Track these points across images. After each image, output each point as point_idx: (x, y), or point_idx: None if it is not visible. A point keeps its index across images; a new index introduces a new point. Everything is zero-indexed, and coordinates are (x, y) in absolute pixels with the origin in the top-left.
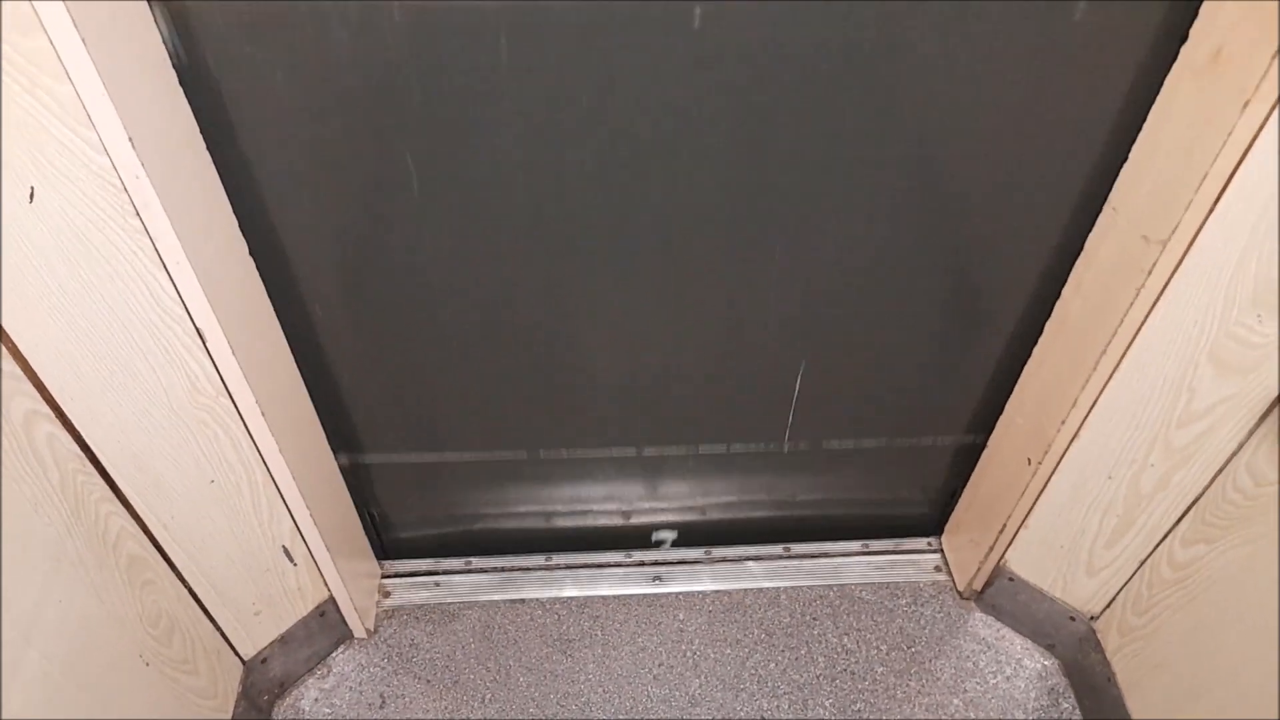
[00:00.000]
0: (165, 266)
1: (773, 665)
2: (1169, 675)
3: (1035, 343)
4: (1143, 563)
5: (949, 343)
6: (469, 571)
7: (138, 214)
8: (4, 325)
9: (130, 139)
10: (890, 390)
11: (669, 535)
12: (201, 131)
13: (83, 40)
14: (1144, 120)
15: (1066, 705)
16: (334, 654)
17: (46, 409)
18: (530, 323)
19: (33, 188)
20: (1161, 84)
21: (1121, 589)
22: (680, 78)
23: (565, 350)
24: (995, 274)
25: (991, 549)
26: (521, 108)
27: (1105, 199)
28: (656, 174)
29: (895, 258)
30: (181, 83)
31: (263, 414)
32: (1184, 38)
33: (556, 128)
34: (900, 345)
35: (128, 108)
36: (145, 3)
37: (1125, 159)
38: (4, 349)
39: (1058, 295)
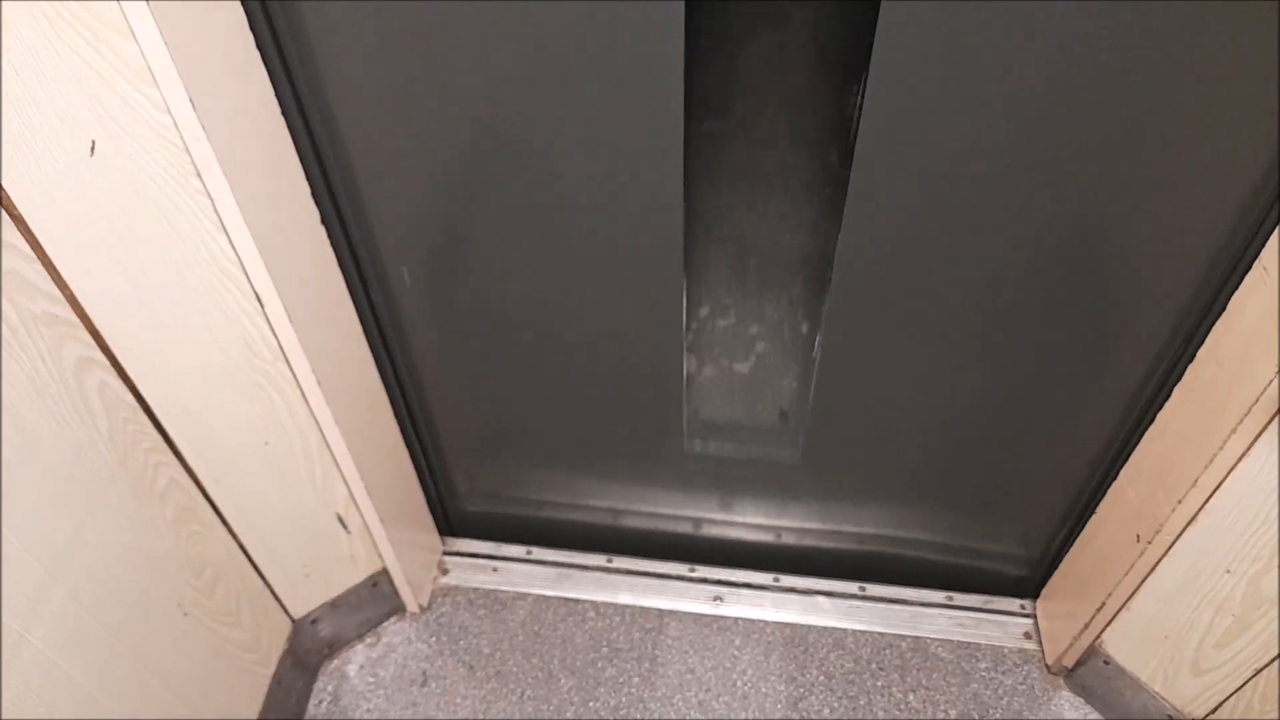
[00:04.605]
0: (225, 229)
1: (827, 711)
2: None
3: (1160, 407)
4: (1258, 672)
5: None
6: (528, 561)
7: (199, 175)
8: (61, 272)
9: (192, 101)
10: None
11: None
12: (280, 98)
13: (146, 2)
14: None
15: None
16: (386, 623)
17: (101, 357)
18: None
19: (94, 141)
20: None
21: (1230, 695)
22: None
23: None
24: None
25: (1088, 625)
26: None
27: (1256, 256)
28: None
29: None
30: (261, 47)
31: (319, 383)
32: None
33: None
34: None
35: (192, 70)
36: None
37: None
38: (62, 296)
39: (1192, 358)
